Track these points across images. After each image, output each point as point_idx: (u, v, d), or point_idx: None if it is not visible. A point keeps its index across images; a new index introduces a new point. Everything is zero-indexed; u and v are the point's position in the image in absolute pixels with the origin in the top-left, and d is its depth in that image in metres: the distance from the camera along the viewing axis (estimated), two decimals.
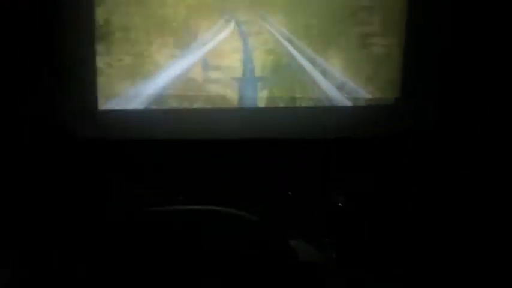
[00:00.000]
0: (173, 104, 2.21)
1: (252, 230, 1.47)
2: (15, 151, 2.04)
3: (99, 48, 2.13)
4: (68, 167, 2.06)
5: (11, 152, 2.03)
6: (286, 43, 2.23)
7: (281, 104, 2.26)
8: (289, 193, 2.18)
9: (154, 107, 2.19)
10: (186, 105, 2.21)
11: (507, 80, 2.23)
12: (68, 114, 2.10)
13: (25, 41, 2.06)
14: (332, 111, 2.27)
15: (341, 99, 2.27)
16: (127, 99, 2.18)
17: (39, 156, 2.04)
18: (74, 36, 2.10)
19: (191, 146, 2.16)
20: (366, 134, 2.24)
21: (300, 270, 1.55)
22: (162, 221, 1.46)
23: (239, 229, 1.45)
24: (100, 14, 2.11)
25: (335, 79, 2.26)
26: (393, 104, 2.28)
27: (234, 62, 2.23)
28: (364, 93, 2.28)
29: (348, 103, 2.27)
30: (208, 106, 2.22)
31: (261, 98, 2.26)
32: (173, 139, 2.17)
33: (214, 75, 2.21)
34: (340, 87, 2.26)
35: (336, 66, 2.25)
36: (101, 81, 2.15)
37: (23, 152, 2.04)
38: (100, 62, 2.14)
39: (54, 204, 2.00)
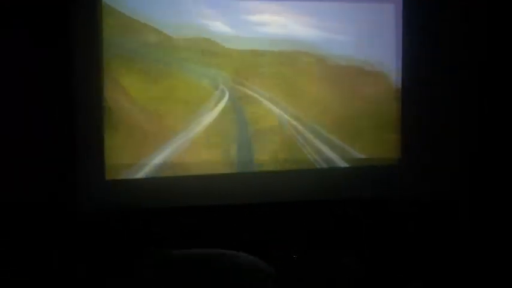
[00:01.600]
0: (177, 171, 2.28)
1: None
2: (23, 227, 2.11)
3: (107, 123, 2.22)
4: (76, 240, 2.17)
5: (19, 228, 2.10)
6: (279, 111, 2.29)
7: (278, 168, 2.30)
8: (294, 256, 2.21)
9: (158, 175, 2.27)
10: (189, 172, 2.28)
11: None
12: (77, 187, 2.19)
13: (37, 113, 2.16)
14: (330, 172, 2.31)
15: (338, 160, 2.31)
16: (133, 169, 2.26)
17: (48, 231, 2.13)
18: (83, 113, 2.19)
19: (192, 212, 2.23)
20: (365, 196, 2.26)
21: None
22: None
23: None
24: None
25: (331, 140, 2.30)
26: (394, 165, 2.30)
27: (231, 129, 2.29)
28: (362, 154, 2.31)
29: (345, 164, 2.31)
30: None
31: (258, 161, 2.31)
32: (177, 206, 2.24)
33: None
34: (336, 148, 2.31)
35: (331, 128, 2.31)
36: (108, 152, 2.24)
37: (32, 228, 2.11)
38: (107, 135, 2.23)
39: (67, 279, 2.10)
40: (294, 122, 2.30)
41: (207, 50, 2.23)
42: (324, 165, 2.31)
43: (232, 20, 2.25)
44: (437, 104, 2.30)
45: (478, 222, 2.25)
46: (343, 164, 2.32)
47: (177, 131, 2.25)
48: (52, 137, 2.16)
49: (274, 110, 2.29)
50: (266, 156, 2.30)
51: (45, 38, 2.11)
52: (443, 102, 2.30)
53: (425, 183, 2.28)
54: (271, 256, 2.14)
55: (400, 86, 2.34)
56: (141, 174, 2.24)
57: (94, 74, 2.17)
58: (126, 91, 2.20)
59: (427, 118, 2.31)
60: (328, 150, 2.31)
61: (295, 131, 2.30)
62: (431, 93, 2.30)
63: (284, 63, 2.29)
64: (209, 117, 2.26)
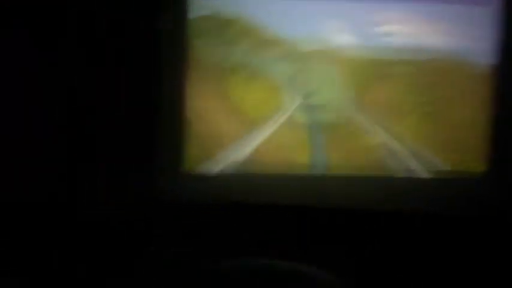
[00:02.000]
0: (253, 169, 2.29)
1: None
2: (102, 211, 2.22)
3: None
4: (151, 228, 2.25)
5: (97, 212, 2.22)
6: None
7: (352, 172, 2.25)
8: None
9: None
10: (265, 170, 2.28)
11: None
12: (156, 176, 2.26)
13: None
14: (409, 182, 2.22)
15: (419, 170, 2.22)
16: (213, 164, 2.30)
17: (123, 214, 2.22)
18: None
19: (263, 210, 2.24)
20: (446, 210, 2.15)
21: None
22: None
23: None
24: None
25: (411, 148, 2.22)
26: (479, 178, 2.17)
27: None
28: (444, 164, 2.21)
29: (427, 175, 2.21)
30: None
31: (332, 165, 2.27)
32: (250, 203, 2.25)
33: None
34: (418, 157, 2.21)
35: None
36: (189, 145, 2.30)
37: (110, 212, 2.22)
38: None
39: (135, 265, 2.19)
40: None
41: None
42: (404, 175, 2.22)
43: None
44: None
45: None
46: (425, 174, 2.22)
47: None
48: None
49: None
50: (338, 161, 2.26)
51: None
52: None
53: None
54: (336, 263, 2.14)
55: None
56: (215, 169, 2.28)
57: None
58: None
59: None
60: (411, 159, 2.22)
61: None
62: None
63: None
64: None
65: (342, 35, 2.21)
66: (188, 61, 2.25)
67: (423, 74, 2.21)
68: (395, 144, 2.22)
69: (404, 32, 2.20)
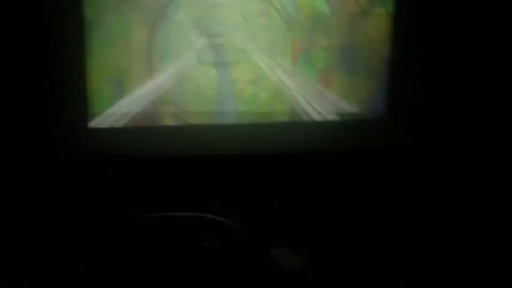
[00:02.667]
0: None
1: (234, 236, 1.52)
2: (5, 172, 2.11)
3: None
4: (60, 185, 2.16)
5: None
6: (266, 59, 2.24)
7: (262, 120, 2.27)
8: (276, 204, 2.21)
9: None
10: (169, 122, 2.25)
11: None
12: (58, 132, 2.16)
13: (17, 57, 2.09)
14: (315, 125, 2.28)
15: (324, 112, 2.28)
16: (115, 117, 2.23)
17: (31, 175, 2.13)
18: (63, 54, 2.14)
19: (180, 162, 2.22)
20: (352, 149, 2.24)
21: (279, 278, 1.60)
22: (152, 226, 1.54)
23: (222, 234, 1.51)
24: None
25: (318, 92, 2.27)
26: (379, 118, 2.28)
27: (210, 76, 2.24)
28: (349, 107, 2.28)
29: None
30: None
31: (242, 112, 2.27)
32: (161, 156, 2.22)
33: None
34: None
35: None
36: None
37: (15, 172, 2.11)
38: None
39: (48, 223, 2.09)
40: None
41: None
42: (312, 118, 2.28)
43: None
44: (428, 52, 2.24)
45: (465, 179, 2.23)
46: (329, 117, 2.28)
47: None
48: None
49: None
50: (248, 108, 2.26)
51: None
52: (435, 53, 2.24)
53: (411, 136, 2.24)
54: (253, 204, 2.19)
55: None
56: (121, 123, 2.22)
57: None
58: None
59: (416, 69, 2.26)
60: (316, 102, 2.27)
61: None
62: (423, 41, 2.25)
63: None
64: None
65: None
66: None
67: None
68: (300, 88, 2.25)
69: None
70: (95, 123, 2.21)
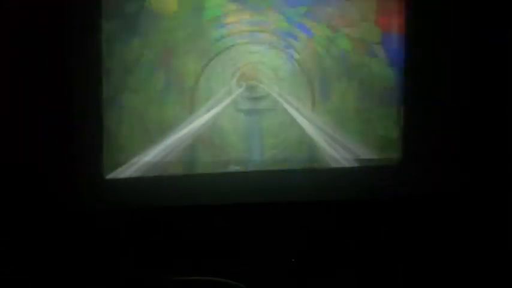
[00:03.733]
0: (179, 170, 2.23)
1: None
2: (22, 228, 2.05)
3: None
4: (77, 240, 2.12)
5: (17, 230, 2.05)
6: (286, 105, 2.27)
7: (284, 166, 2.29)
8: (292, 260, 2.22)
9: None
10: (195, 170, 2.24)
11: None
12: (75, 185, 2.11)
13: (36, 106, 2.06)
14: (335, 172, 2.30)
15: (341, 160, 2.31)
16: (134, 167, 2.19)
17: (48, 230, 2.08)
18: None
19: (201, 211, 2.20)
20: (367, 196, 2.27)
21: None
22: None
23: None
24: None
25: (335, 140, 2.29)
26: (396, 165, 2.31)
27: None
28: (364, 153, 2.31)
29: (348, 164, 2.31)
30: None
31: (267, 160, 2.29)
32: (182, 205, 2.20)
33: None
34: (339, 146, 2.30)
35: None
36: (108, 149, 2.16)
37: (32, 230, 2.06)
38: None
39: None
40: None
41: None
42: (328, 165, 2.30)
43: None
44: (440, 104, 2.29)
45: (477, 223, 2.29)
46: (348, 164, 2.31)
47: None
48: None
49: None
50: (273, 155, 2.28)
51: None
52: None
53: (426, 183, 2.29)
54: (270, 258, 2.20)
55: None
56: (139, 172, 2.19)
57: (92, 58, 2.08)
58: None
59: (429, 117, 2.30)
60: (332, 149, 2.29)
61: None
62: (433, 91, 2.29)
63: None
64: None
65: None
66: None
67: None
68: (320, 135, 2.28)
69: None
70: (117, 173, 2.17)
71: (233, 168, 2.25)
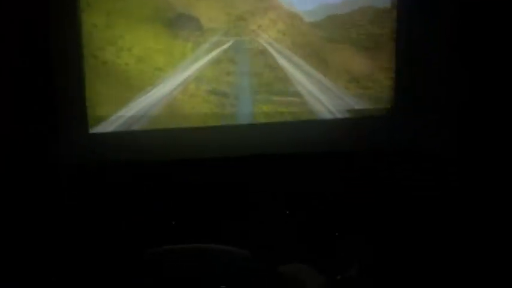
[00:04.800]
0: (165, 123, 2.18)
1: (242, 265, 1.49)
2: (8, 179, 2.01)
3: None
4: (61, 192, 2.08)
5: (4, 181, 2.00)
6: (278, 56, 2.21)
7: (275, 119, 2.25)
8: (287, 212, 2.18)
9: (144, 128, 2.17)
10: (181, 124, 2.19)
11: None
12: (60, 139, 2.07)
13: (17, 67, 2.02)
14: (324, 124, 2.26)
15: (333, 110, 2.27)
16: (119, 122, 2.15)
17: (34, 182, 2.03)
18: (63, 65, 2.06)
19: (187, 165, 2.16)
20: (359, 147, 2.23)
21: None
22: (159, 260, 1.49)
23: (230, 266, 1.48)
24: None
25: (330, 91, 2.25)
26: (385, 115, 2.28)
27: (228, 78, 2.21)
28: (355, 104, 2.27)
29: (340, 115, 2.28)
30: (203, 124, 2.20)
31: (256, 113, 2.24)
32: (167, 159, 2.15)
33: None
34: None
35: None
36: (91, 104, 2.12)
37: (17, 180, 2.01)
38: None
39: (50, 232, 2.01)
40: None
41: None
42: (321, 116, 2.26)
43: None
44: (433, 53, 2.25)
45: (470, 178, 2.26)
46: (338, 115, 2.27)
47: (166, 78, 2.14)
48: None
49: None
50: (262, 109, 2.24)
51: None
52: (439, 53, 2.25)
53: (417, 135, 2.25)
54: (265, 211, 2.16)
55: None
56: (124, 126, 2.14)
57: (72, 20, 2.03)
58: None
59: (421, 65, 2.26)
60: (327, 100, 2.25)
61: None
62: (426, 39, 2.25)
63: None
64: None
65: None
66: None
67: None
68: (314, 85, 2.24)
69: None
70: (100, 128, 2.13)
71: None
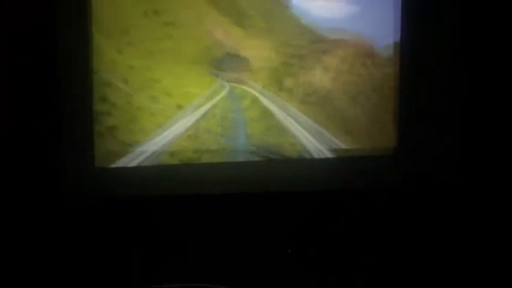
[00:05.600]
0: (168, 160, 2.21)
1: None
2: (13, 215, 2.04)
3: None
4: (67, 228, 2.12)
5: (10, 215, 2.04)
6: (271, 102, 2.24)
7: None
8: (289, 251, 2.20)
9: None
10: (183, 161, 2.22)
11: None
12: (66, 174, 2.11)
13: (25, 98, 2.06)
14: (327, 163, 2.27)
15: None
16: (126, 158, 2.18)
17: (38, 217, 2.07)
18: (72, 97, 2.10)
19: (188, 201, 2.19)
20: (363, 186, 2.24)
21: None
22: None
23: None
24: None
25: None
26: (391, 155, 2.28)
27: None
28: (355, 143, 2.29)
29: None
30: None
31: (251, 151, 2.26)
32: (168, 195, 2.19)
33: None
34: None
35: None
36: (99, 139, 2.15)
37: (22, 215, 2.05)
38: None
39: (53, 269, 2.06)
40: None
41: None
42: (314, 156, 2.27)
43: None
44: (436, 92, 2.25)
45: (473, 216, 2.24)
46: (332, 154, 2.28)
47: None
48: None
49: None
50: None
51: None
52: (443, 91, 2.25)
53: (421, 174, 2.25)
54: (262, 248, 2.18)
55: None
56: (134, 162, 2.17)
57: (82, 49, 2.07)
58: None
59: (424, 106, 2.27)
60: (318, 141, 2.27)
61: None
62: (430, 80, 2.27)
63: None
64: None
65: None
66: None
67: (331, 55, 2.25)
68: (303, 127, 2.26)
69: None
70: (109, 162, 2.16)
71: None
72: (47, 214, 2.09)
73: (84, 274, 2.06)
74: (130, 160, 2.17)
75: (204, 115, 2.20)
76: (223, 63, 2.20)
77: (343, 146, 2.28)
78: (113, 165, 2.16)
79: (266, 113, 2.24)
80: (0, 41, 2.00)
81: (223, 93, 2.22)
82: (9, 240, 2.04)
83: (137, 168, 2.18)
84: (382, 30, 2.28)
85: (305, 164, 2.26)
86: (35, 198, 2.08)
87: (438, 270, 2.15)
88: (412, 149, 2.27)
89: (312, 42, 2.24)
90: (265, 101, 2.24)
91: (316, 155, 2.26)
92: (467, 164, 2.26)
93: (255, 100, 2.24)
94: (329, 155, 2.27)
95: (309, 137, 2.25)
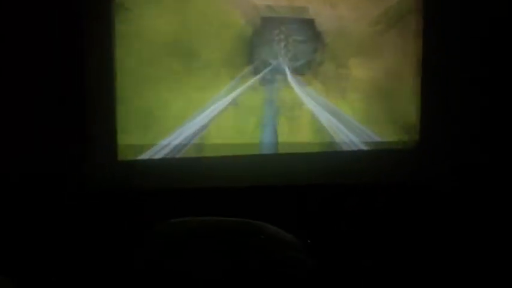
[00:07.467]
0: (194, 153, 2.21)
1: None
2: (36, 206, 2.06)
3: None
4: (88, 218, 2.13)
5: (32, 206, 2.05)
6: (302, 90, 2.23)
7: (300, 150, 2.26)
8: (308, 241, 2.19)
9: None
10: (208, 153, 2.22)
11: None
12: (88, 166, 2.12)
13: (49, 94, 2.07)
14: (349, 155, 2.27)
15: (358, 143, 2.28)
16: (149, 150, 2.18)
17: (60, 208, 2.08)
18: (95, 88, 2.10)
19: (211, 193, 2.18)
20: (384, 180, 2.23)
21: None
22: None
23: None
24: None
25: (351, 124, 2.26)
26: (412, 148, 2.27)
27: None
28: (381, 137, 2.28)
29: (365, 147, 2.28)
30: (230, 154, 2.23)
31: (281, 144, 2.26)
32: (192, 187, 2.18)
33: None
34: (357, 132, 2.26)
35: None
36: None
37: (45, 207, 2.06)
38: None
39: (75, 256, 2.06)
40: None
41: None
42: (345, 148, 2.27)
43: None
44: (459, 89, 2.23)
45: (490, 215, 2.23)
46: (362, 147, 2.28)
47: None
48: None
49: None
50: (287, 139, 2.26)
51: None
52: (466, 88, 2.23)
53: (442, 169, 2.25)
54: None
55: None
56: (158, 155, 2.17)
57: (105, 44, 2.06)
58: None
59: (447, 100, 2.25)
60: (348, 132, 2.25)
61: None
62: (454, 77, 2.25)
63: None
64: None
65: None
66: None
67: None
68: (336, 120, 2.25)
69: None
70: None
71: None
72: (72, 206, 2.10)
73: (105, 261, 2.06)
74: (154, 153, 2.16)
75: (228, 107, 2.20)
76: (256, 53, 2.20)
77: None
78: (136, 158, 2.16)
79: (296, 105, 2.24)
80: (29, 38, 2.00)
81: (251, 83, 2.21)
82: (35, 231, 2.05)
83: (160, 161, 2.17)
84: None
85: (334, 158, 2.28)
86: (60, 190, 2.09)
87: (459, 261, 2.15)
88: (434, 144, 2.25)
89: None
90: (297, 91, 2.24)
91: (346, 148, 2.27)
92: (487, 162, 2.24)
93: (286, 92, 2.24)
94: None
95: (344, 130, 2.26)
